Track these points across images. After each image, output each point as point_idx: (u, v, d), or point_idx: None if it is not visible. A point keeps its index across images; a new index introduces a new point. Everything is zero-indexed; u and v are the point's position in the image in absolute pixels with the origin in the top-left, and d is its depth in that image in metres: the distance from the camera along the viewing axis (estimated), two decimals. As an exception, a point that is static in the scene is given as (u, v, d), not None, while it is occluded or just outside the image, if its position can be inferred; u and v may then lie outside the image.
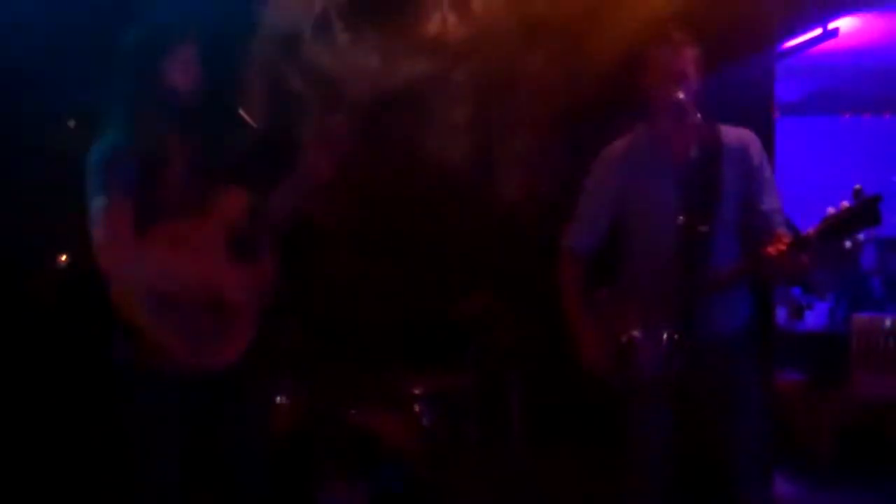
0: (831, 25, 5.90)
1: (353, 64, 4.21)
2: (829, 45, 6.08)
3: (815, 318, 7.27)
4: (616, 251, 3.80)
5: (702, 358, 3.51)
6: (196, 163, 3.31)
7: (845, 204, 3.22)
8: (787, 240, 3.34)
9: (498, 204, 4.68)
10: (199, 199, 3.29)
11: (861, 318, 6.65)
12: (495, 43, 4.51)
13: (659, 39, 3.60)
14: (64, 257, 4.41)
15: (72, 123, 4.27)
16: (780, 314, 7.01)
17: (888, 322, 6.47)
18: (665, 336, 3.50)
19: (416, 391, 4.56)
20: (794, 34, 5.91)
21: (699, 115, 3.52)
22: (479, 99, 4.56)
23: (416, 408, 4.51)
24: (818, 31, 5.91)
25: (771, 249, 3.30)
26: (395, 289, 4.78)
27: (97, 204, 3.06)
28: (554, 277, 3.80)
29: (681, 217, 3.52)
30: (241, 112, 3.48)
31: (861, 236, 3.28)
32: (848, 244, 3.31)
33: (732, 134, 3.65)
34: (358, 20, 4.30)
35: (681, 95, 3.48)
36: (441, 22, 4.43)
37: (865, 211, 3.20)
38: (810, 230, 3.27)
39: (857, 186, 3.29)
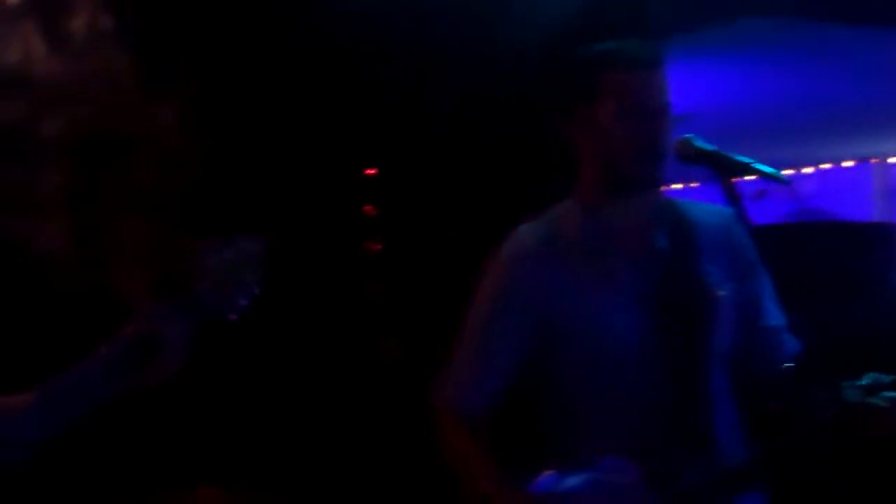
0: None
1: None
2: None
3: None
4: (539, 406, 2.41)
5: None
6: None
7: None
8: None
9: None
10: None
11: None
12: (108, 88, 3.35)
13: (616, 56, 2.27)
14: None
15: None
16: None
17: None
18: None
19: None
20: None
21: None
22: (81, 163, 3.34)
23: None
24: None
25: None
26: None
27: None
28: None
29: (654, 348, 2.25)
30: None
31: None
32: None
33: (708, 212, 2.40)
34: None
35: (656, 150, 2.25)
36: (22, 53, 3.20)
37: None
38: None
39: None
